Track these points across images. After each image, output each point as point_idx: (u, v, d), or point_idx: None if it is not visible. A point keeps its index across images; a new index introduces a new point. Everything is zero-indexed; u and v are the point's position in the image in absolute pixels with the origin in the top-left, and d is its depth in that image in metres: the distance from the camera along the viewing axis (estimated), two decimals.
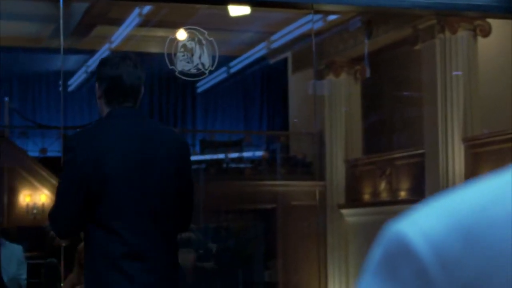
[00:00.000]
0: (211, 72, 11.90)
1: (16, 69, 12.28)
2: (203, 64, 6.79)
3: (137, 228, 3.35)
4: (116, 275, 3.27)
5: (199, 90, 13.26)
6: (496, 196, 0.72)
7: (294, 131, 12.73)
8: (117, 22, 9.67)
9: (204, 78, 12.38)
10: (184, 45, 6.69)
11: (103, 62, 3.58)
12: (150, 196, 3.39)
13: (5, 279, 7.40)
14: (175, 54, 6.57)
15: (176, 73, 6.47)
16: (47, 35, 11.21)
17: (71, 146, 3.40)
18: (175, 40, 6.62)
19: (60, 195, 3.38)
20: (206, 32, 6.73)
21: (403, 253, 0.72)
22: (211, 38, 6.74)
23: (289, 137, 12.71)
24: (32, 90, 13.46)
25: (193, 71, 6.63)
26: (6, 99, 11.06)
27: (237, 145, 12.46)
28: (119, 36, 9.85)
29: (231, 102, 14.17)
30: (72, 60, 11.72)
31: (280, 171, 12.06)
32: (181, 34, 6.63)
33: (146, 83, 11.05)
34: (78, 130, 3.53)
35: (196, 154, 12.44)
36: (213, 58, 6.74)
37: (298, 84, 12.51)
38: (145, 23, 9.19)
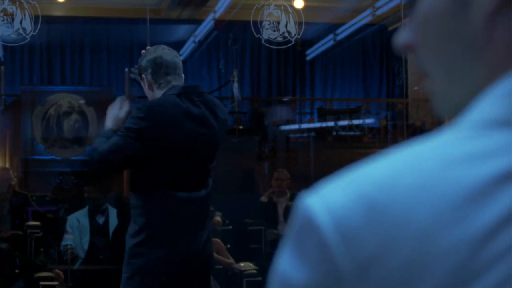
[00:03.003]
0: (317, 40, 11.85)
1: (136, 40, 12.64)
2: (289, 32, 6.80)
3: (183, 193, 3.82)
4: None
5: (316, 58, 13.24)
6: (403, 168, 0.71)
7: (413, 98, 12.49)
8: None
9: (315, 45, 12.39)
10: (270, 14, 6.72)
11: (141, 57, 4.00)
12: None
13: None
14: (261, 23, 6.62)
15: (263, 42, 6.53)
16: (166, 6, 11.50)
17: (143, 116, 3.78)
18: (261, 8, 6.67)
19: (118, 143, 3.73)
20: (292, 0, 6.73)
21: (308, 227, 0.72)
22: (300, 7, 6.73)
23: (408, 105, 12.48)
24: None
25: (279, 39, 6.65)
26: (126, 69, 11.37)
27: (355, 113, 12.36)
28: (222, 5, 9.97)
29: (350, 71, 14.07)
30: (182, 30, 11.99)
31: (398, 138, 11.88)
32: (268, 3, 6.67)
33: (261, 52, 11.04)
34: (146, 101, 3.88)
35: (313, 122, 12.46)
36: (300, 26, 6.74)
37: None
38: None
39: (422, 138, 0.74)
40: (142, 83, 3.93)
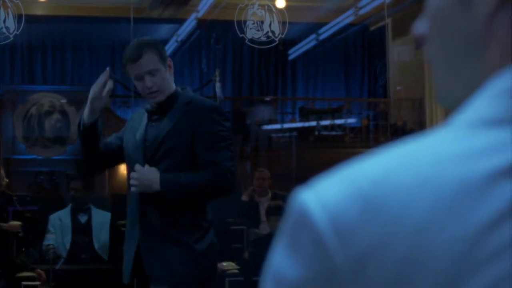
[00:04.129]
0: (301, 40, 11.84)
1: (117, 39, 12.59)
2: (273, 32, 6.79)
3: None
4: None
5: (298, 58, 13.24)
6: (398, 164, 0.71)
7: (394, 98, 12.53)
8: None
9: (298, 45, 12.40)
10: (254, 13, 6.71)
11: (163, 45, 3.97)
12: None
13: (96, 246, 7.60)
14: (245, 22, 6.61)
15: (246, 41, 6.52)
16: (148, 5, 11.45)
17: (227, 117, 3.89)
18: (245, 8, 6.65)
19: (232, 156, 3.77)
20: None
21: (303, 222, 0.72)
22: (282, 6, 6.72)
23: (389, 104, 12.52)
24: None
25: (263, 39, 6.65)
26: (108, 68, 11.31)
27: (337, 112, 12.38)
28: (205, 4, 9.96)
29: (332, 70, 14.09)
30: (164, 29, 11.95)
31: (380, 138, 11.91)
32: (252, 2, 6.67)
33: (243, 52, 10.97)
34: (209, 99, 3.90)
35: (295, 121, 12.49)
36: (284, 25, 6.73)
37: (398, 51, 12.31)
38: None
39: (416, 136, 0.74)
40: (165, 69, 3.74)
